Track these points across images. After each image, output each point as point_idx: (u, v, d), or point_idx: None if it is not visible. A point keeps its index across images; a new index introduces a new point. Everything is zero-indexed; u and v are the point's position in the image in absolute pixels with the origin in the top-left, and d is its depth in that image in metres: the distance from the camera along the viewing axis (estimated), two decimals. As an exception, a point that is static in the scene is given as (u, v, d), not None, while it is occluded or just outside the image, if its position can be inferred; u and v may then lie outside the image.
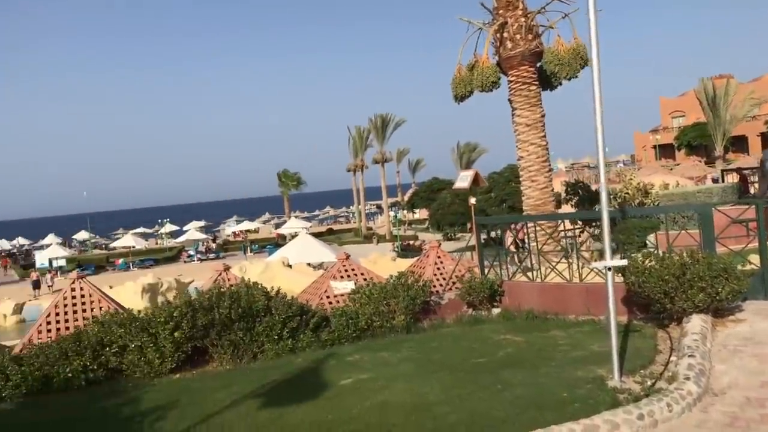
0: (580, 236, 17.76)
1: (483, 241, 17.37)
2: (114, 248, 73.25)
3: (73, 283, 14.73)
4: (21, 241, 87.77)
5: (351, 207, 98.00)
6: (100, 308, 14.40)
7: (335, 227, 79.97)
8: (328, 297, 15.65)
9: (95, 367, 12.79)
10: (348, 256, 17.08)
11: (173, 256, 63.02)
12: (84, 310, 14.35)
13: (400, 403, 9.43)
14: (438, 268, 16.90)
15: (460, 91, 19.80)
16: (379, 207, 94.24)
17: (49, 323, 14.05)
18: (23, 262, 67.94)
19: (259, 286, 14.21)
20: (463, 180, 16.63)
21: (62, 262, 59.22)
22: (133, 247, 65.81)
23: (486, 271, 16.23)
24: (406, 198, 70.81)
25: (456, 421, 8.40)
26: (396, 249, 45.15)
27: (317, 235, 46.50)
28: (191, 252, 62.16)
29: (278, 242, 61.65)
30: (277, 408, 9.94)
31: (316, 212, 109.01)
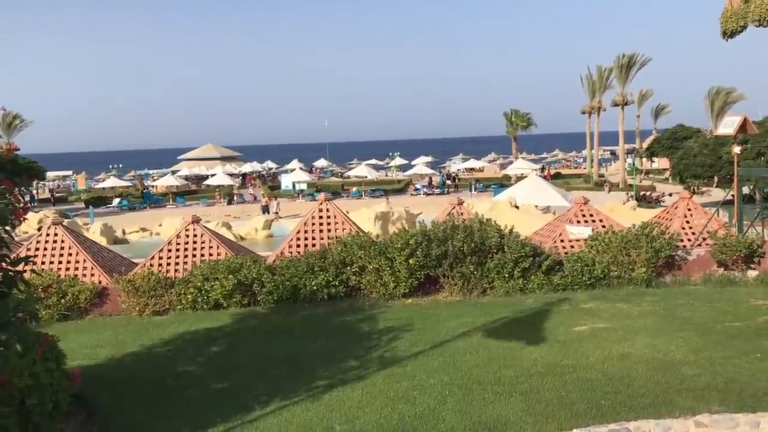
0: None
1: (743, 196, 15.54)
2: (348, 177, 77.85)
3: (321, 204, 15.80)
4: (270, 164, 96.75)
5: (582, 151, 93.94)
6: (344, 230, 15.32)
7: (563, 171, 77.41)
8: (562, 241, 15.11)
9: (337, 283, 13.71)
10: (587, 201, 16.28)
11: (401, 188, 65.42)
12: (329, 230, 15.36)
13: (642, 358, 8.88)
14: (687, 221, 15.48)
15: (731, 25, 17.47)
16: (613, 153, 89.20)
17: (299, 239, 15.27)
18: (270, 184, 75.01)
19: (493, 223, 14.11)
20: (727, 126, 14.85)
21: (303, 186, 64.34)
22: (366, 177, 69.47)
23: (745, 229, 14.56)
24: (644, 145, 66.08)
25: (706, 385, 7.70)
26: (631, 198, 42.54)
27: (544, 178, 45.17)
28: (418, 186, 64.09)
29: (503, 182, 61.20)
30: (508, 344, 9.90)
31: (544, 155, 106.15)
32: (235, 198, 59.24)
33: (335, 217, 15.65)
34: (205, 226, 15.49)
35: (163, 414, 7.98)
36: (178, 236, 15.08)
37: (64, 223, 15.46)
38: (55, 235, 14.93)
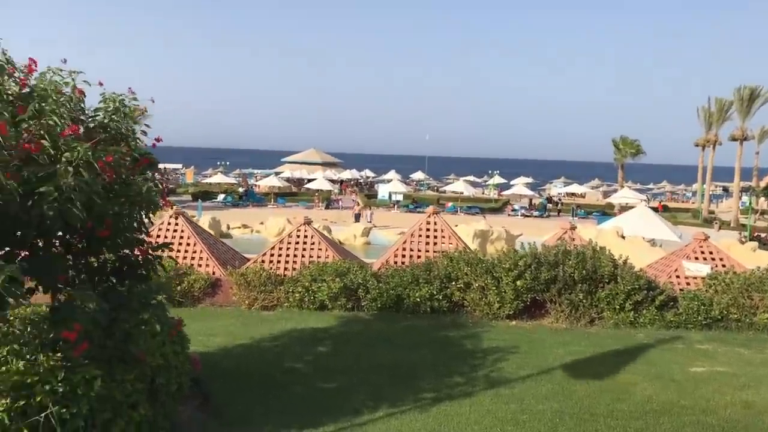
0: None
1: None
2: (444, 191, 77.62)
3: (429, 216, 15.86)
4: (368, 172, 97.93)
5: (692, 185, 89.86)
6: (450, 244, 15.30)
7: (670, 204, 74.14)
8: (677, 277, 14.48)
9: (440, 297, 13.69)
10: (707, 237, 15.56)
11: (498, 207, 64.50)
12: (435, 243, 15.40)
13: (768, 409, 8.38)
14: (819, 268, 14.49)
15: None
16: (725, 189, 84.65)
17: (404, 249, 15.39)
18: (367, 192, 75.93)
19: (607, 252, 13.71)
20: None
21: (400, 197, 64.55)
22: (462, 193, 68.96)
23: None
24: (762, 184, 62.48)
25: None
26: (745, 238, 40.27)
27: (653, 210, 43.49)
28: (516, 206, 63.08)
29: (605, 210, 59.28)
30: (620, 377, 9.58)
31: (651, 185, 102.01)
32: (340, 203, 60.29)
33: (442, 231, 15.67)
34: (315, 229, 15.85)
35: (273, 408, 8.21)
36: (289, 235, 15.51)
37: (184, 214, 16.21)
38: (176, 224, 15.68)
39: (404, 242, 15.58)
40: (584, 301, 13.17)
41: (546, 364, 10.24)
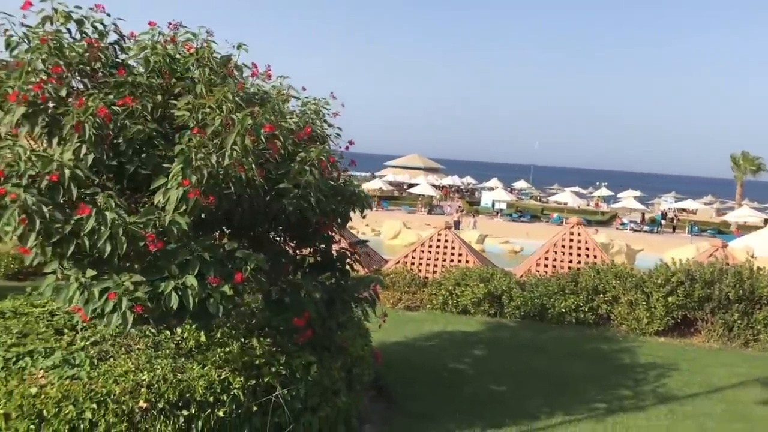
0: None
1: None
2: (547, 201, 76.19)
3: (573, 227, 15.81)
4: (469, 179, 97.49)
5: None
6: (594, 257, 15.19)
7: (790, 225, 69.79)
8: (840, 302, 13.80)
9: (586, 309, 13.63)
10: None
11: (605, 220, 62.66)
12: (578, 255, 15.32)
13: None
14: None
15: None
16: None
17: (546, 259, 15.39)
18: (468, 199, 75.67)
19: (765, 272, 13.23)
20: None
21: (503, 206, 63.91)
22: (566, 204, 67.46)
23: None
24: None
25: None
26: None
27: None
28: (625, 220, 61.07)
29: (720, 228, 56.54)
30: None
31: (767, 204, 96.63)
32: (447, 209, 60.41)
33: (585, 243, 15.56)
34: (456, 234, 16.10)
35: (450, 406, 8.47)
36: (430, 239, 15.84)
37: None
38: (322, 222, 16.29)
39: (546, 252, 15.58)
40: (739, 321, 12.77)
41: (712, 383, 10.05)
